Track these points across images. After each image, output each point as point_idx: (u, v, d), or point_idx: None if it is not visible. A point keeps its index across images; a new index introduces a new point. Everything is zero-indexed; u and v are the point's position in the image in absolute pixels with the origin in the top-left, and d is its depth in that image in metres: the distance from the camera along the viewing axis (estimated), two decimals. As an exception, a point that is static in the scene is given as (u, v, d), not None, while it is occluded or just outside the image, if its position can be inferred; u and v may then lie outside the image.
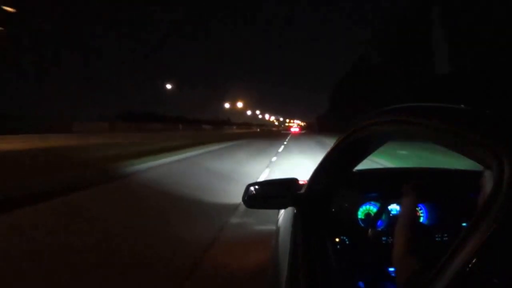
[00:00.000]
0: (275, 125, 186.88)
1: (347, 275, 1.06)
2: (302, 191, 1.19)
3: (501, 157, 0.40)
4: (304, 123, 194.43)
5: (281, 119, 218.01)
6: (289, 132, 63.05)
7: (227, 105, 63.34)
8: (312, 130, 76.90)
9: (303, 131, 75.45)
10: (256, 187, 1.24)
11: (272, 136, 38.12)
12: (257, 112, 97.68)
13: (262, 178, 6.98)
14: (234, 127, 66.64)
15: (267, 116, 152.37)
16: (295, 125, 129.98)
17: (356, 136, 0.90)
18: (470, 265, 0.36)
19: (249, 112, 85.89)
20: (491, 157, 0.42)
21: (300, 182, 1.28)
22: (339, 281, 0.84)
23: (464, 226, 1.17)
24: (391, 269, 1.01)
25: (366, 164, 1.12)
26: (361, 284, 1.04)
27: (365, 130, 0.85)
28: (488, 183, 0.60)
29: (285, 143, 20.99)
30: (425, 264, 0.71)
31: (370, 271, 1.09)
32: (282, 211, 1.58)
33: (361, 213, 1.22)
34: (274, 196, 1.20)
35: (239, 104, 64.97)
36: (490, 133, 0.46)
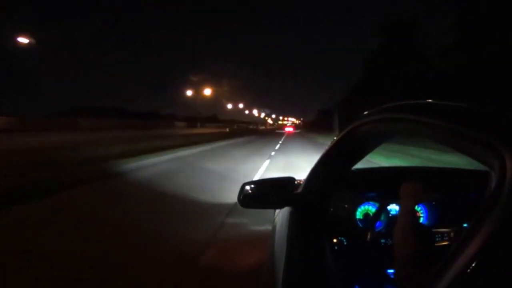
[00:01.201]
0: (267, 123, 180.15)
1: (344, 276, 1.06)
2: (299, 190, 1.19)
3: (504, 157, 0.41)
4: (299, 121, 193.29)
5: (274, 116, 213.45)
6: (283, 131, 59.31)
7: (189, 92, 54.46)
8: (309, 130, 72.44)
9: (297, 131, 73.71)
10: (252, 186, 1.24)
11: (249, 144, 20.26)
12: (240, 105, 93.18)
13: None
14: (200, 125, 60.85)
15: (257, 113, 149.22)
16: (289, 123, 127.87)
17: (354, 135, 0.90)
18: (471, 266, 0.36)
19: (229, 106, 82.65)
20: (493, 156, 0.43)
21: (297, 182, 1.29)
22: (337, 283, 0.84)
23: (465, 226, 1.20)
24: (390, 270, 1.03)
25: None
26: (359, 286, 1.05)
27: (363, 128, 0.85)
28: (492, 182, 0.62)
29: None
30: (425, 265, 0.74)
31: (368, 273, 1.10)
32: (278, 211, 1.58)
33: (359, 213, 1.23)
34: (270, 195, 1.20)
35: (207, 92, 57.18)
36: (492, 131, 0.46)
